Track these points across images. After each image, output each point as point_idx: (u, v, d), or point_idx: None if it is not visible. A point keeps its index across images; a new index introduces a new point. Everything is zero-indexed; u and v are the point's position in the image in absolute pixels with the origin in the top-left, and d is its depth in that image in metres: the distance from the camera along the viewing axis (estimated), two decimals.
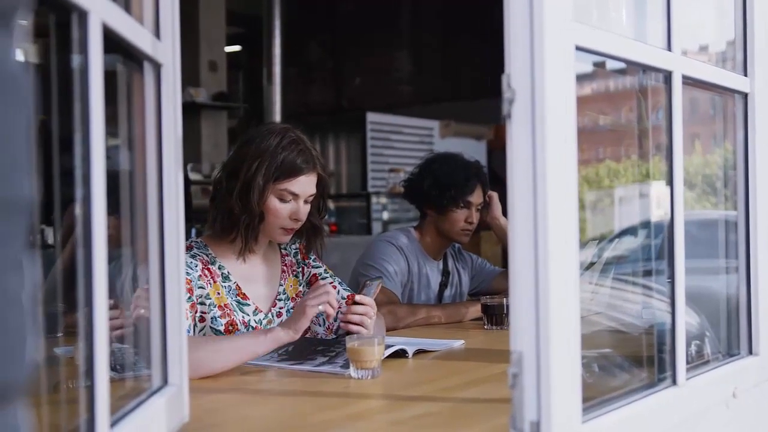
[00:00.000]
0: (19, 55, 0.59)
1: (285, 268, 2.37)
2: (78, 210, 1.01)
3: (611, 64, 1.53)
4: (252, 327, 2.20)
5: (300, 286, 2.38)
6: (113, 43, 1.11)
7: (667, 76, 1.51)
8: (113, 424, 1.09)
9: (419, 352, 2.16)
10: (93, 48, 1.00)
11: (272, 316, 2.27)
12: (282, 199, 2.18)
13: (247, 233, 2.19)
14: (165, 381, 1.36)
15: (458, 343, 2.33)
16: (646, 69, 1.55)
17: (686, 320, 1.55)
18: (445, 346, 2.28)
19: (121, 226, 1.34)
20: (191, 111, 7.10)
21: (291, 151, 2.17)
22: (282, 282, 2.34)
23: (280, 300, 2.32)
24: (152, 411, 1.25)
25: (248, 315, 2.21)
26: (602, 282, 2.09)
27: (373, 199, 7.50)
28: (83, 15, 0.99)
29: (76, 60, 1.01)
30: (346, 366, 1.89)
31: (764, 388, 1.79)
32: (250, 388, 1.81)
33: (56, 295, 1.51)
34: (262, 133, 2.21)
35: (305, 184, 2.20)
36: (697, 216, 1.92)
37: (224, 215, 2.19)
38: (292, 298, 2.34)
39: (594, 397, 1.31)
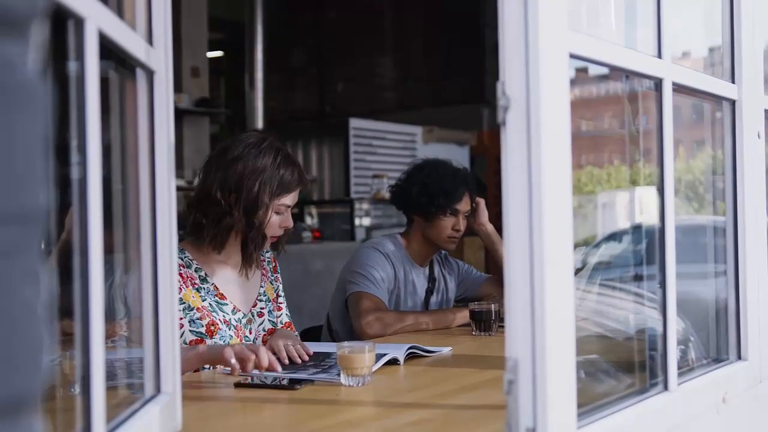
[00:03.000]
0: (35, 64, 0.58)
1: (264, 271, 2.45)
2: (74, 217, 1.01)
3: (593, 70, 1.54)
4: (233, 326, 2.26)
5: (274, 292, 2.46)
6: (107, 49, 1.11)
7: (658, 83, 1.52)
8: None
9: (411, 357, 2.16)
10: (89, 54, 1.00)
11: (253, 316, 2.35)
12: (277, 213, 2.28)
13: (255, 250, 2.28)
14: (158, 389, 1.35)
15: (446, 350, 2.33)
16: (637, 76, 1.56)
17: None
18: (435, 351, 2.27)
19: (113, 233, 1.34)
20: (173, 117, 7.06)
21: (286, 167, 2.27)
22: (262, 284, 2.42)
23: (261, 300, 2.39)
24: (146, 419, 1.24)
25: (228, 314, 2.26)
26: (589, 288, 2.10)
27: (357, 205, 7.48)
28: (80, 22, 0.98)
29: (71, 66, 1.01)
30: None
31: (753, 393, 1.81)
32: (242, 396, 1.80)
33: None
34: (249, 150, 2.25)
35: (296, 196, 2.32)
36: (681, 222, 1.93)
37: (224, 231, 2.24)
38: (272, 300, 2.43)
39: (588, 403, 1.32)
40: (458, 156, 7.76)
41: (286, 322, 2.45)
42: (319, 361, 2.11)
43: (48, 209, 0.60)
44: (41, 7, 0.59)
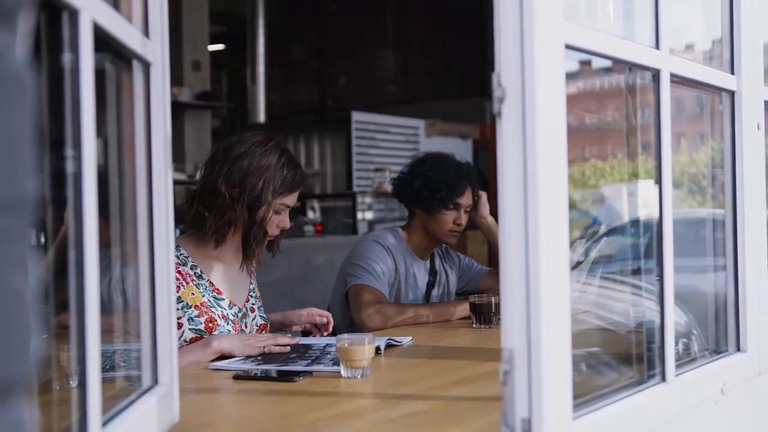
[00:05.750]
0: (22, 53, 0.59)
1: (253, 268, 2.48)
2: (69, 211, 1.01)
3: (597, 63, 1.54)
4: (230, 320, 2.29)
5: (258, 290, 2.50)
6: (102, 41, 1.11)
7: (656, 75, 1.51)
8: (104, 423, 1.08)
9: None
10: (84, 47, 1.00)
11: (246, 310, 2.39)
12: (277, 212, 2.31)
13: (256, 245, 2.31)
14: (155, 381, 1.35)
15: (407, 339, 2.35)
16: (634, 67, 1.56)
17: (674, 318, 1.56)
18: (401, 342, 2.31)
19: (110, 227, 1.34)
20: (175, 110, 7.04)
21: (290, 168, 2.30)
22: (252, 281, 2.46)
23: (252, 297, 2.43)
24: (143, 411, 1.24)
25: (225, 309, 2.29)
26: (590, 281, 2.10)
27: (359, 199, 7.49)
28: (74, 13, 0.98)
29: (66, 58, 1.01)
30: (336, 363, 1.89)
31: (752, 385, 1.81)
32: (240, 388, 1.81)
33: (43, 295, 1.50)
34: (255, 148, 2.28)
35: (296, 197, 2.36)
36: (683, 215, 1.92)
37: (226, 225, 2.26)
38: (259, 297, 2.47)
39: (585, 394, 1.32)
40: (461, 149, 7.77)
41: (261, 324, 2.46)
42: (303, 353, 2.11)
43: (37, 198, 0.60)
44: None
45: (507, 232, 1.16)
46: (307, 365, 1.96)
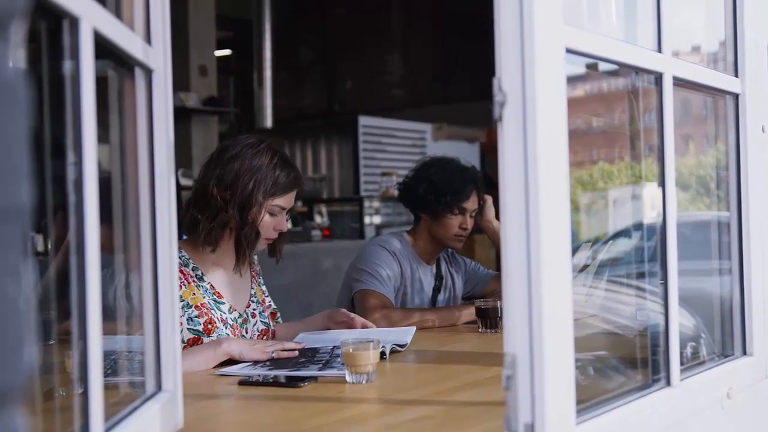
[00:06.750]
0: (16, 62, 0.59)
1: (254, 274, 2.48)
2: (70, 217, 1.01)
3: (603, 66, 1.54)
4: (230, 324, 2.30)
5: (263, 294, 2.51)
6: (104, 48, 1.11)
7: (658, 78, 1.51)
8: (107, 430, 1.09)
9: (393, 352, 2.18)
10: (84, 54, 1.00)
11: (247, 316, 2.39)
12: (271, 214, 2.30)
13: (248, 247, 2.30)
14: (159, 387, 1.36)
15: (410, 332, 2.38)
16: (636, 71, 1.56)
17: (681, 322, 1.55)
18: (403, 333, 2.33)
19: (113, 234, 1.34)
20: (182, 116, 7.07)
21: (282, 169, 2.30)
22: (253, 286, 2.46)
23: (253, 302, 2.43)
24: (146, 417, 1.24)
25: (225, 313, 2.30)
26: (596, 284, 2.09)
27: (366, 203, 7.48)
28: (74, 21, 0.99)
29: (67, 66, 1.01)
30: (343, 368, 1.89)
31: (758, 389, 1.80)
32: (244, 394, 1.81)
33: (49, 302, 1.51)
34: (247, 150, 2.28)
35: (292, 199, 2.35)
36: (691, 217, 1.92)
37: (218, 227, 2.26)
38: (261, 302, 2.47)
39: (588, 399, 1.31)
40: (468, 153, 7.76)
41: (272, 312, 2.49)
42: (311, 357, 2.11)
43: (35, 206, 0.61)
44: (21, 6, 0.59)
45: (508, 236, 1.16)
46: (319, 369, 1.95)
